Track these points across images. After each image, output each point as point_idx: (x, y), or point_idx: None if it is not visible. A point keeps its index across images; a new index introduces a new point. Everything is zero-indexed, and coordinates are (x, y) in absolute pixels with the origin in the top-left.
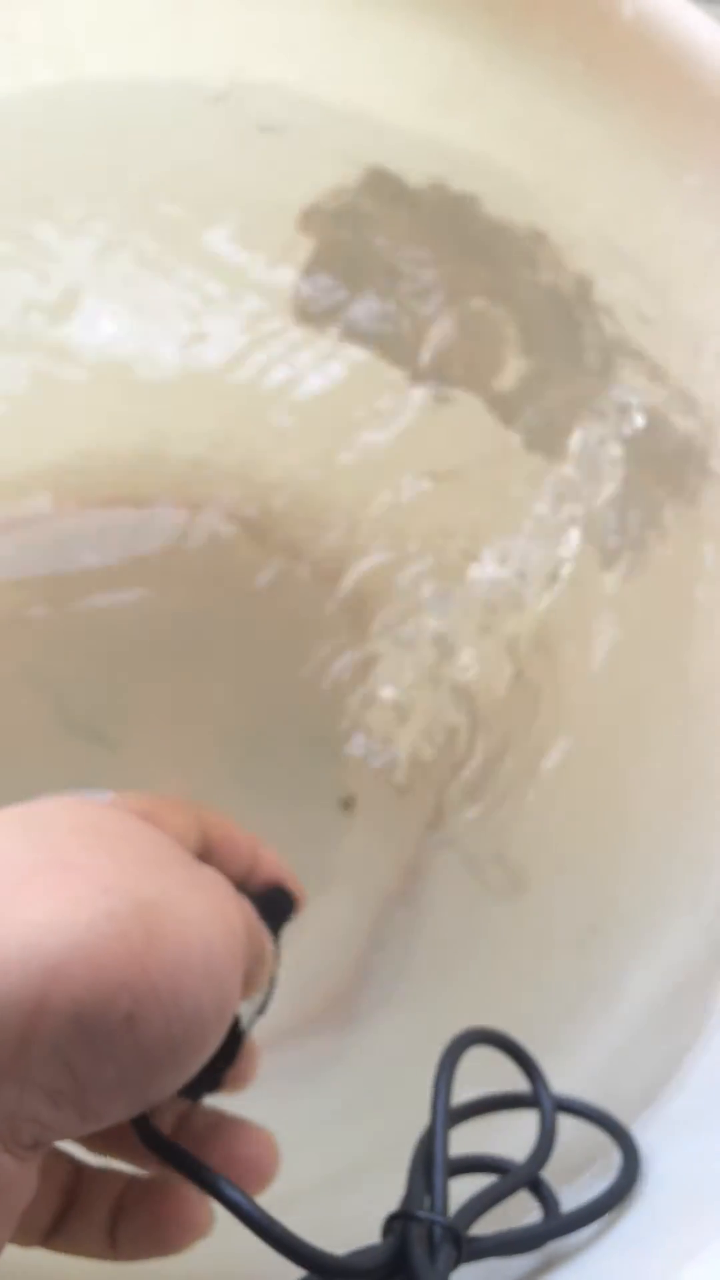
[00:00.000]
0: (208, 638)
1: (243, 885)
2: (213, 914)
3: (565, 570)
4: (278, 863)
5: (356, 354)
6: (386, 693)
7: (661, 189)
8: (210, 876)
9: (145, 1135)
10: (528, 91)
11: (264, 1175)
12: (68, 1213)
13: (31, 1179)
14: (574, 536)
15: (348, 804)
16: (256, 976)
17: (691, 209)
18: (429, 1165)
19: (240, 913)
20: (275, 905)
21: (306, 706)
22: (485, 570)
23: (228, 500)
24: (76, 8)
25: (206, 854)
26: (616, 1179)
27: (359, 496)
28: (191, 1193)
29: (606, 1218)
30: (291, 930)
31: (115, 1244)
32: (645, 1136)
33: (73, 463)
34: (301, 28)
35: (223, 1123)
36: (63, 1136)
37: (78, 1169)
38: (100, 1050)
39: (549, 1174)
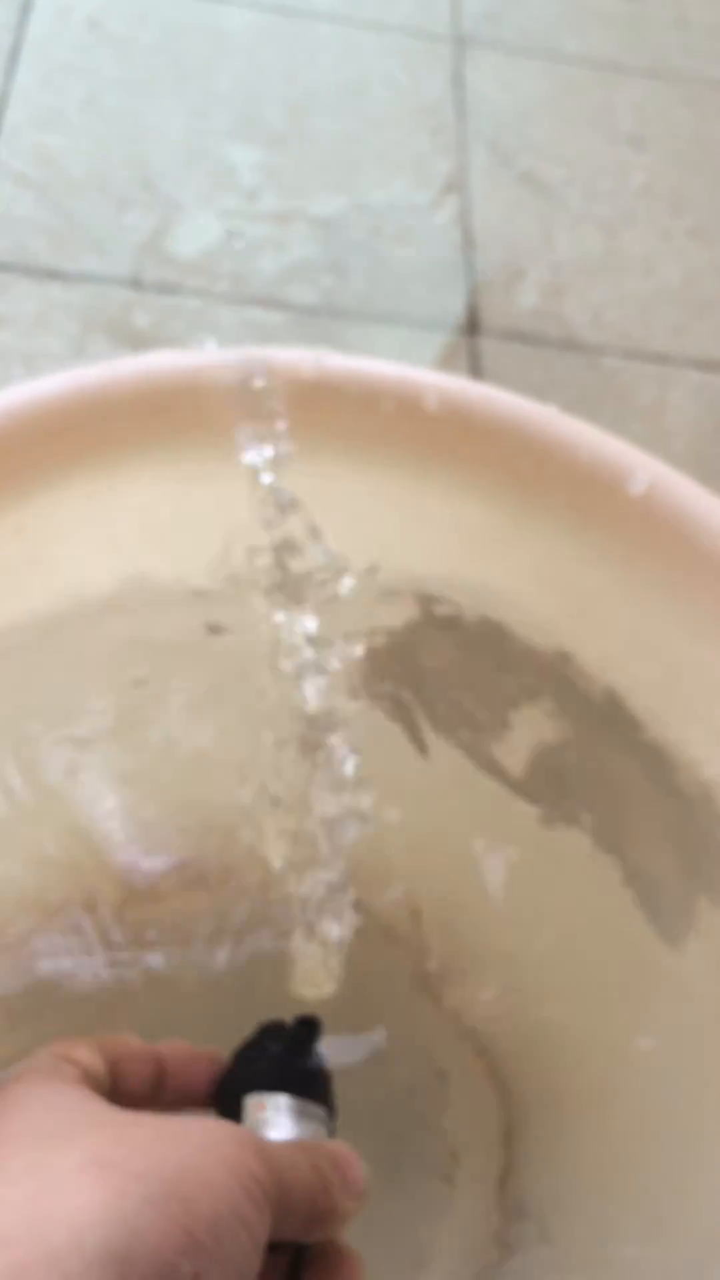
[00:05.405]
0: None
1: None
2: (220, 1163)
3: None
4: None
5: None
6: None
7: (671, 622)
8: (205, 1127)
9: None
10: (548, 545)
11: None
12: None
13: None
14: None
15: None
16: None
17: (699, 638)
18: None
19: (243, 1147)
20: (305, 1033)
21: None
22: None
23: None
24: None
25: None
26: None
27: None
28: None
29: None
30: None
31: None
32: None
33: None
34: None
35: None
36: None
37: None
38: None
39: None
